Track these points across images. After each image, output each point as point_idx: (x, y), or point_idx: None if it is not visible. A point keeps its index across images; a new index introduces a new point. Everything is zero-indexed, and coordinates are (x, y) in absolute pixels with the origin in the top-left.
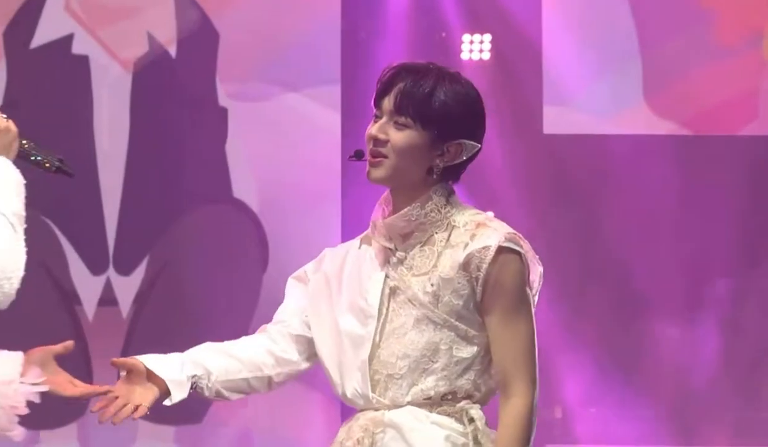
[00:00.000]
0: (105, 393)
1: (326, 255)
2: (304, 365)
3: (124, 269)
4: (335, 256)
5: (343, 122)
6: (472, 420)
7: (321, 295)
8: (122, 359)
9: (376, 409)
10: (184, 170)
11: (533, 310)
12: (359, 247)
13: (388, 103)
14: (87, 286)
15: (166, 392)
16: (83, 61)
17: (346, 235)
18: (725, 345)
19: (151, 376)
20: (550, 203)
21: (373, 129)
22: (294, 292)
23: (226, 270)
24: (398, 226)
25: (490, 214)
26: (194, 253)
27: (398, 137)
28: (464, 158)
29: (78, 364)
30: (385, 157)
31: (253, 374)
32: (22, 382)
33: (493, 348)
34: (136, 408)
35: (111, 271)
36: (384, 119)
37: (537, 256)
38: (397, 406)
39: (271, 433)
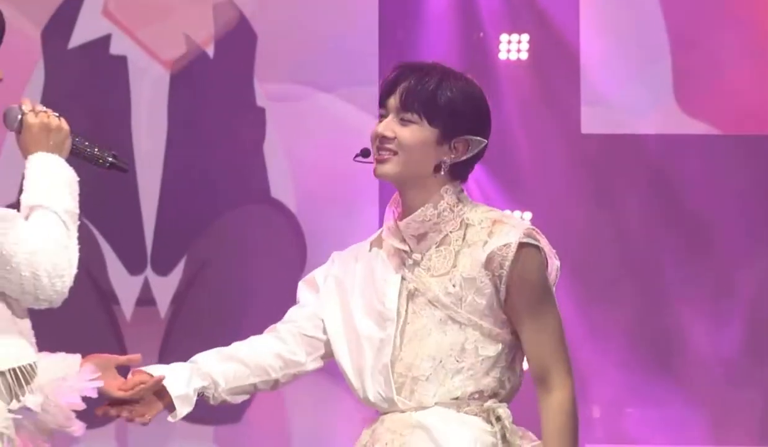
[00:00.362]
0: (157, 382)
1: (335, 259)
2: (312, 366)
3: (162, 269)
4: (345, 259)
5: None
6: (499, 418)
7: (333, 300)
8: (132, 381)
9: (402, 412)
10: (221, 170)
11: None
12: (369, 250)
13: (393, 101)
14: (125, 286)
15: (170, 405)
16: (121, 61)
17: None
18: (758, 345)
19: (157, 389)
20: (587, 202)
21: (379, 127)
22: (306, 296)
23: (263, 270)
24: (412, 228)
25: (499, 211)
26: (232, 253)
27: (405, 133)
28: (471, 155)
29: None
30: (394, 153)
31: (260, 378)
32: (77, 379)
33: (527, 344)
34: (142, 415)
35: (149, 271)
36: (390, 117)
37: (554, 251)
38: (423, 407)
39: (308, 433)
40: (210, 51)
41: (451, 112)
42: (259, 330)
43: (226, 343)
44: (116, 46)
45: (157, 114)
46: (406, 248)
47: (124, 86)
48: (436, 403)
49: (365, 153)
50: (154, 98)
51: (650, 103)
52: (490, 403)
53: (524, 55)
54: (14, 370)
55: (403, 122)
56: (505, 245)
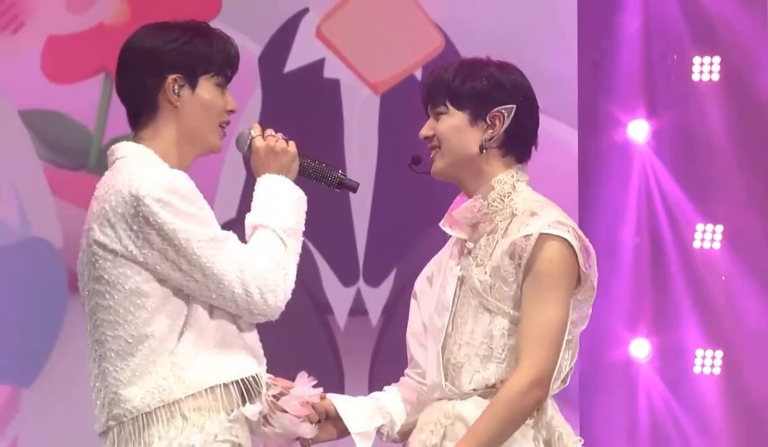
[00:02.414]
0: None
1: (433, 259)
2: None
3: (374, 281)
4: (436, 258)
5: (580, 140)
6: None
7: (427, 300)
8: (317, 407)
9: (449, 399)
10: (429, 187)
11: (576, 301)
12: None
13: (429, 105)
14: (339, 297)
15: (343, 433)
16: (334, 84)
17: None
18: None
19: (335, 417)
20: None
21: (422, 130)
22: (411, 308)
23: None
24: (465, 218)
25: (544, 201)
26: None
27: (440, 125)
28: (509, 125)
29: (331, 370)
30: (438, 148)
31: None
32: (298, 387)
33: (519, 324)
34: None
35: (361, 283)
36: (429, 120)
37: (591, 247)
38: (464, 394)
39: None
40: (418, 74)
41: (471, 90)
42: None
43: None
44: (330, 70)
45: (368, 135)
46: (465, 237)
47: (337, 109)
48: (473, 390)
49: (416, 160)
50: (365, 120)
51: None
52: None
53: (716, 77)
54: (237, 382)
55: (437, 117)
56: (525, 236)
